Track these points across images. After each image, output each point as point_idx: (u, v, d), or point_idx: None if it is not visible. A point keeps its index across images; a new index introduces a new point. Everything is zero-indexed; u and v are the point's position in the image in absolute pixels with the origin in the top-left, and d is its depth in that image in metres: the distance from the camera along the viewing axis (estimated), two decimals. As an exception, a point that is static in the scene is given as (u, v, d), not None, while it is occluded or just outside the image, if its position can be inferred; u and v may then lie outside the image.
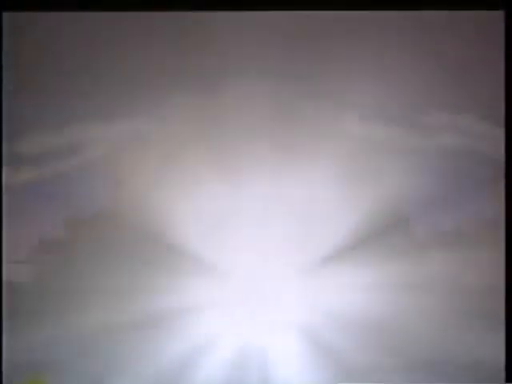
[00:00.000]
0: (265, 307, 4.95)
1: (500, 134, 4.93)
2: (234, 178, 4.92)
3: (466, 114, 5.00)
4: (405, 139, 4.77)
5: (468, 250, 5.06)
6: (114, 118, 5.00)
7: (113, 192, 5.05)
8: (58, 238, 5.13)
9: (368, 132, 5.02)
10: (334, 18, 4.98)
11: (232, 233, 4.95)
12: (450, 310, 4.92)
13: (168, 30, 5.02)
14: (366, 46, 4.99)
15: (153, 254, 4.95)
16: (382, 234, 5.02)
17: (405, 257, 5.01)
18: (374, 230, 4.95)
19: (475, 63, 4.97)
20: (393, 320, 4.91)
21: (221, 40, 4.98)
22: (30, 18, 5.00)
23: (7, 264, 4.90)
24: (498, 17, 4.85)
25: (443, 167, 4.96)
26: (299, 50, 5.02)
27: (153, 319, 4.92)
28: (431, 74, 4.98)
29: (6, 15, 4.92)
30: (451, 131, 4.94)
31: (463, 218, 5.04)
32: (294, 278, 4.95)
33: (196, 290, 4.94)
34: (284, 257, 4.96)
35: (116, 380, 4.15)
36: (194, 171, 4.95)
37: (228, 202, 4.93)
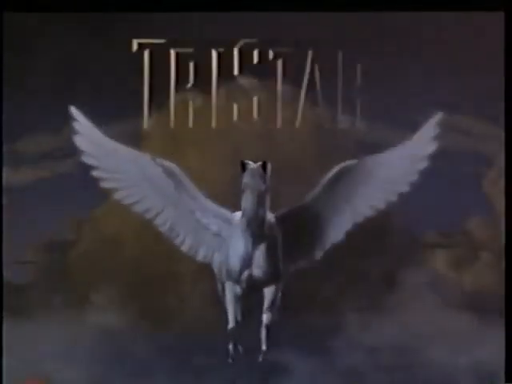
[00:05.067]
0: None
1: (500, 133, 4.94)
2: (233, 178, 4.92)
3: (465, 114, 5.01)
4: (405, 139, 4.77)
5: (468, 250, 5.06)
6: (113, 118, 5.00)
7: (113, 192, 5.05)
8: (58, 238, 5.13)
9: (367, 132, 5.02)
10: (334, 20, 4.99)
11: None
12: (449, 309, 4.92)
13: (168, 30, 5.03)
14: (366, 47, 5.00)
15: (153, 253, 4.95)
16: (382, 234, 5.02)
17: (405, 257, 5.01)
18: (374, 229, 4.95)
19: (475, 63, 4.98)
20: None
21: (222, 40, 4.99)
22: (29, 18, 5.01)
23: (7, 264, 4.90)
24: (497, 17, 4.86)
25: (443, 167, 4.96)
26: (298, 51, 5.03)
27: (153, 317, 4.93)
28: (431, 73, 4.99)
29: (6, 15, 4.92)
30: (451, 131, 4.95)
31: (463, 218, 5.04)
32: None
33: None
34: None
35: (117, 379, 4.15)
36: (194, 171, 4.95)
37: (228, 202, 4.93)
